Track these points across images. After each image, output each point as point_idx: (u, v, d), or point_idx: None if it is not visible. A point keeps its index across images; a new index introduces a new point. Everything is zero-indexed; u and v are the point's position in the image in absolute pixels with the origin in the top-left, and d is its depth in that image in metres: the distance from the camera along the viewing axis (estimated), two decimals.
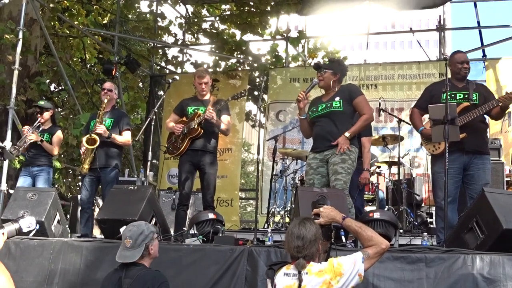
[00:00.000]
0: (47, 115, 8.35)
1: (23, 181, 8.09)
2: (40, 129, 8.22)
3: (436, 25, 12.61)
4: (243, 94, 7.73)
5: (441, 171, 6.08)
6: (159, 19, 14.21)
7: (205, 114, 6.93)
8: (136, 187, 6.66)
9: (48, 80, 13.12)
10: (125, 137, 7.56)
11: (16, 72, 9.01)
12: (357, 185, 7.21)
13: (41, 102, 8.58)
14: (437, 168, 6.22)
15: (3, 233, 3.49)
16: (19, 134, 8.70)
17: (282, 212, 9.22)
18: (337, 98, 6.04)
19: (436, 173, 6.22)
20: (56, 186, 15.63)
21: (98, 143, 7.20)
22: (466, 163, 6.02)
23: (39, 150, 8.15)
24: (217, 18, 14.38)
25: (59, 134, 8.43)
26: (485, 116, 6.29)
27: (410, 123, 9.05)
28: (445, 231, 5.64)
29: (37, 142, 8.06)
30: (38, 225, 6.07)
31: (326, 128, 6.02)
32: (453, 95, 6.14)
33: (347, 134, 5.88)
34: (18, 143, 8.05)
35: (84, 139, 7.30)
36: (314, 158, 6.05)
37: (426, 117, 6.61)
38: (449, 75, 6.19)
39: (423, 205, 9.43)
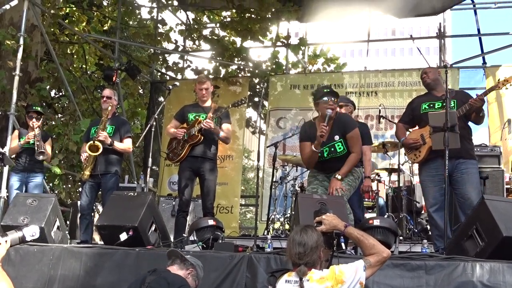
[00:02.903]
0: (40, 121, 8.37)
1: (18, 188, 8.10)
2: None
3: (436, 32, 12.65)
4: (243, 102, 7.75)
5: (425, 179, 6.24)
6: (159, 25, 14.24)
7: (203, 123, 6.93)
8: (136, 194, 6.66)
9: (48, 86, 13.10)
10: (126, 145, 7.57)
11: (16, 78, 9.03)
12: (358, 194, 7.23)
13: (37, 108, 8.58)
14: (422, 177, 6.33)
15: (6, 241, 3.49)
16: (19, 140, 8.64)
17: (282, 219, 9.22)
18: (337, 138, 5.93)
19: (422, 181, 6.33)
20: (56, 192, 15.61)
21: (101, 150, 7.20)
22: (450, 169, 5.92)
23: (34, 156, 8.15)
24: (218, 25, 14.40)
25: (50, 141, 8.50)
26: (468, 123, 6.33)
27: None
28: (444, 238, 5.64)
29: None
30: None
31: (335, 167, 5.94)
32: (431, 105, 6.32)
33: (338, 176, 5.82)
34: (39, 150, 8.00)
35: (86, 146, 7.29)
36: (319, 173, 6.09)
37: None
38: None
39: (423, 212, 9.41)
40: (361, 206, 7.58)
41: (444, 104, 6.07)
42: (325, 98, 5.86)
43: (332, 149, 5.94)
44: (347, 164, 5.88)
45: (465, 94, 6.51)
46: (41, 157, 8.01)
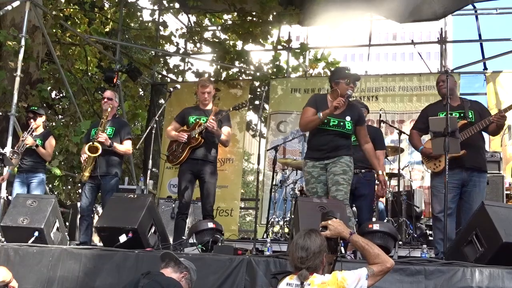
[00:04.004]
0: (39, 121, 8.38)
1: (20, 189, 8.11)
2: (33, 135, 8.25)
3: (437, 37, 12.65)
4: (244, 105, 7.75)
5: (438, 185, 6.21)
6: (161, 27, 14.25)
7: (206, 123, 6.94)
8: (136, 196, 6.66)
9: (49, 87, 13.12)
10: (126, 146, 7.56)
11: (17, 79, 9.05)
12: (370, 201, 7.25)
13: (35, 108, 8.60)
14: (435, 183, 6.32)
15: None
16: None
17: (281, 223, 9.21)
18: (348, 118, 6.01)
19: (435, 187, 6.32)
20: (56, 193, 15.61)
21: (100, 151, 7.20)
22: (465, 179, 6.11)
23: (34, 157, 8.19)
24: (219, 28, 14.42)
25: (51, 140, 8.46)
26: (482, 132, 6.38)
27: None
28: (444, 243, 5.64)
29: (32, 147, 8.09)
30: (37, 232, 6.12)
31: (333, 143, 6.00)
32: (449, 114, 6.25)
33: (381, 172, 6.22)
34: (16, 149, 8.05)
35: (86, 147, 7.29)
36: (314, 167, 6.05)
37: (426, 137, 6.76)
38: (456, 95, 6.40)
39: (422, 217, 9.43)
40: (371, 213, 7.55)
41: (461, 114, 6.21)
42: (348, 80, 6.01)
43: (342, 123, 6.00)
44: (375, 158, 6.26)
45: (481, 105, 6.59)
46: (14, 156, 8.01)
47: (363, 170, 7.08)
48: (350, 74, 6.09)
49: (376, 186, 7.20)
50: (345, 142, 6.02)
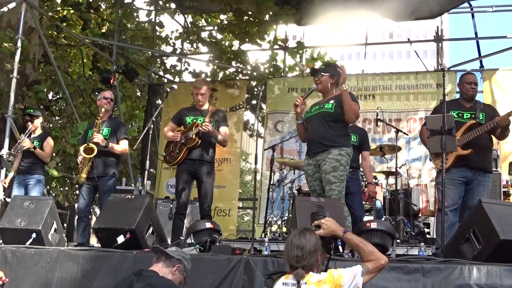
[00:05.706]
0: (37, 122, 8.41)
1: (18, 191, 8.11)
2: (31, 137, 8.27)
3: (434, 36, 12.67)
4: (241, 106, 7.75)
5: (445, 182, 6.18)
6: (157, 28, 14.24)
7: (201, 126, 6.93)
8: (133, 196, 6.65)
9: (46, 89, 13.09)
10: (122, 146, 7.55)
11: (14, 81, 9.04)
12: (361, 194, 7.27)
13: (31, 110, 8.62)
14: (440, 179, 6.31)
15: None
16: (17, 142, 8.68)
17: (279, 222, 9.21)
18: (331, 101, 6.05)
19: (440, 183, 6.31)
20: (53, 194, 15.59)
21: (95, 152, 7.18)
22: (470, 178, 6.17)
23: (33, 158, 8.23)
24: (216, 28, 14.41)
25: (50, 141, 8.49)
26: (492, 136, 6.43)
27: (407, 133, 9.14)
28: (442, 240, 5.64)
29: (30, 149, 8.10)
30: (35, 233, 6.11)
31: (317, 130, 6.03)
32: (460, 115, 6.32)
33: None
34: (13, 151, 8.05)
35: (81, 148, 7.28)
36: (309, 164, 6.09)
37: None
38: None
39: (420, 215, 9.43)
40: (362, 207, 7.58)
41: (472, 115, 6.26)
42: (315, 76, 6.30)
43: (322, 105, 6.12)
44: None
45: (493, 109, 6.67)
46: (10, 158, 8.02)
47: (351, 170, 7.12)
48: (313, 71, 6.44)
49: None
50: (329, 127, 5.97)
